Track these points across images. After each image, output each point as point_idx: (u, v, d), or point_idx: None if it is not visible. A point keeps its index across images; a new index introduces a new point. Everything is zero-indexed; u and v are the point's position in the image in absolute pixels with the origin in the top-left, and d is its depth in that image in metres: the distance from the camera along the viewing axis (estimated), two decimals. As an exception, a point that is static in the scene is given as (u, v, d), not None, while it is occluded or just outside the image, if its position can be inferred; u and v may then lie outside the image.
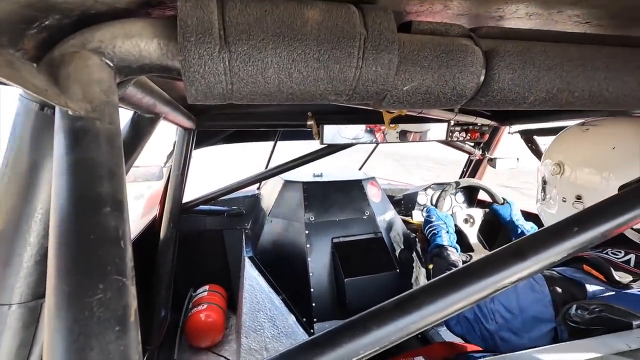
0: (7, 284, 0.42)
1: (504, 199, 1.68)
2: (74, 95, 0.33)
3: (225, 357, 1.92)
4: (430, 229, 1.46)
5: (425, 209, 1.58)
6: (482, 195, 2.04)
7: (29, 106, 0.41)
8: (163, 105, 0.81)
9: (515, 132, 1.81)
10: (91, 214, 0.28)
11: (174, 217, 1.64)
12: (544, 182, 1.07)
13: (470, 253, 1.63)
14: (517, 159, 1.92)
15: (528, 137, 1.76)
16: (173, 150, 1.58)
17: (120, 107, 0.41)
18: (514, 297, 0.86)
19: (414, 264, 1.78)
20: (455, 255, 1.33)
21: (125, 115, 0.81)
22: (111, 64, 0.37)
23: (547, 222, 1.09)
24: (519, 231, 1.49)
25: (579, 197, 0.93)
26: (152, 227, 1.71)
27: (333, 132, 1.35)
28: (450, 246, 1.37)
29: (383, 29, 0.41)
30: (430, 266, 1.35)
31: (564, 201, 0.98)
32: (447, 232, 1.43)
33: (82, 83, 0.34)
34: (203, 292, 2.10)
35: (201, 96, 0.40)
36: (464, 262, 1.55)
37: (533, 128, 1.72)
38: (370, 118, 1.38)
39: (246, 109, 1.43)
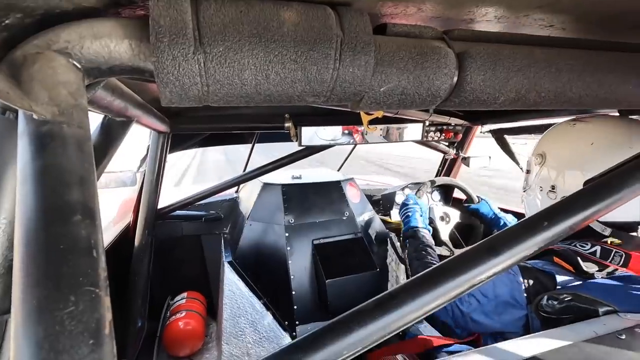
0: None
1: (478, 196, 1.73)
2: (39, 98, 0.31)
3: (205, 365, 1.88)
4: (405, 211, 1.50)
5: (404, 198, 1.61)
6: (457, 194, 2.10)
7: None
8: (135, 108, 0.79)
9: (487, 132, 1.87)
10: (60, 223, 0.27)
11: (149, 223, 1.59)
12: (527, 172, 1.12)
13: (448, 248, 1.67)
14: (490, 157, 1.99)
15: (499, 136, 1.83)
16: (147, 154, 1.54)
17: (90, 110, 0.39)
18: (491, 284, 0.90)
19: (392, 263, 1.81)
20: (428, 236, 1.36)
21: (95, 120, 0.78)
22: (79, 66, 0.36)
23: (527, 210, 1.14)
24: (502, 223, 1.55)
25: (553, 188, 0.98)
26: (126, 234, 1.65)
27: (311, 134, 1.36)
28: (424, 228, 1.40)
29: (359, 31, 0.41)
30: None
31: (541, 190, 1.02)
32: (421, 215, 1.46)
33: (47, 85, 0.32)
34: (181, 299, 2.04)
35: (176, 99, 0.39)
36: (446, 256, 1.59)
37: (503, 127, 1.79)
38: (348, 119, 1.39)
39: (222, 111, 1.41)
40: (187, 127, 1.44)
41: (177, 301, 2.04)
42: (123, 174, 1.48)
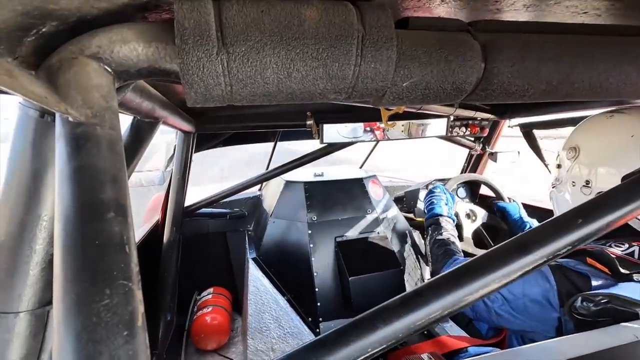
0: (14, 292, 0.42)
1: (509, 198, 1.67)
2: (74, 102, 0.33)
3: (231, 359, 1.92)
4: (430, 198, 1.47)
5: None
6: (484, 190, 2.04)
7: (29, 114, 0.41)
8: (162, 109, 0.81)
9: (515, 126, 1.80)
10: (95, 220, 0.28)
11: (176, 221, 1.64)
12: (558, 166, 1.07)
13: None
14: (518, 152, 1.92)
15: (527, 131, 1.76)
16: (173, 154, 1.58)
17: (120, 112, 0.41)
18: (520, 283, 0.86)
19: (416, 261, 1.78)
20: (451, 225, 1.33)
21: (125, 121, 0.81)
22: (110, 69, 0.37)
23: (556, 206, 1.09)
24: (527, 227, 1.49)
25: (587, 183, 0.93)
26: (155, 231, 1.71)
27: (332, 131, 1.35)
28: (448, 217, 1.37)
29: (380, 26, 0.41)
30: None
31: (573, 185, 0.98)
32: (446, 204, 1.43)
33: (81, 89, 0.34)
34: (208, 294, 2.10)
35: (200, 99, 0.40)
36: (469, 253, 1.55)
37: (533, 121, 1.72)
38: (369, 116, 1.37)
39: (245, 110, 1.43)
40: (212, 127, 1.47)
41: (204, 296, 2.10)
42: (153, 174, 1.53)
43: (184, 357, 1.87)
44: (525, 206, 1.75)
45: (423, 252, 1.85)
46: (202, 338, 1.92)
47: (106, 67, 0.37)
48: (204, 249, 2.15)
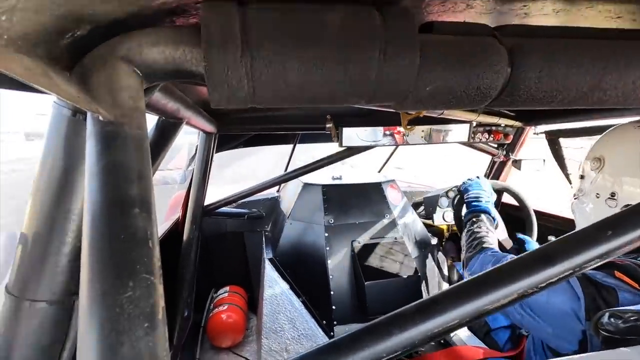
0: (43, 281, 0.44)
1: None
2: (104, 102, 0.35)
3: (245, 358, 1.94)
4: (476, 193, 1.42)
5: (467, 181, 1.55)
6: (506, 198, 1.98)
7: (63, 112, 0.43)
8: (186, 110, 0.84)
9: (541, 133, 1.75)
10: (121, 216, 0.29)
11: (196, 219, 1.67)
12: (581, 177, 1.03)
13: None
14: (544, 160, 1.85)
15: (552, 139, 1.70)
16: (195, 153, 1.62)
17: (146, 112, 0.42)
18: (545, 293, 0.83)
19: (434, 268, 1.75)
20: (491, 224, 1.30)
21: (150, 121, 0.84)
22: (138, 71, 0.39)
23: (578, 219, 1.05)
24: None
25: (613, 195, 0.89)
26: (176, 228, 1.75)
27: (352, 135, 1.35)
28: (489, 214, 1.33)
29: (403, 30, 0.41)
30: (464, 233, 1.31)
31: (597, 197, 0.94)
32: (488, 201, 1.39)
33: (111, 90, 0.35)
34: (224, 293, 2.13)
35: (224, 101, 0.41)
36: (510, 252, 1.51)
37: (560, 128, 1.66)
38: (389, 120, 1.37)
39: (266, 112, 1.45)
40: (233, 128, 1.50)
41: (220, 294, 2.13)
42: (175, 172, 1.57)
43: (199, 353, 1.90)
44: (546, 215, 1.69)
45: (441, 259, 1.81)
46: (218, 335, 1.95)
47: (135, 69, 0.38)
48: (222, 248, 2.18)
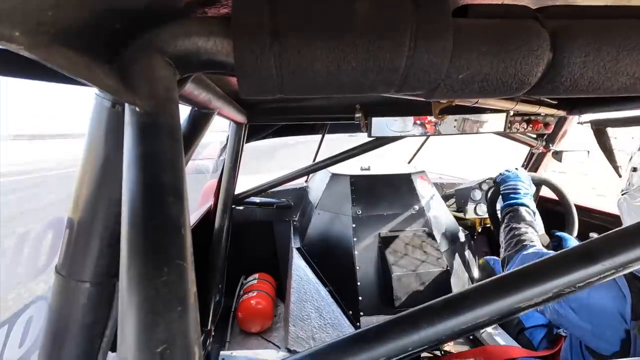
0: (87, 263, 0.47)
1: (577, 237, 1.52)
2: (141, 93, 0.36)
3: (274, 343, 2.00)
4: (518, 185, 1.36)
5: (504, 172, 1.48)
6: (545, 192, 1.88)
7: (103, 104, 0.45)
8: (218, 100, 0.85)
9: (586, 122, 1.63)
10: (155, 203, 0.31)
11: (227, 208, 1.72)
12: (634, 169, 0.96)
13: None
14: (588, 151, 1.74)
15: (599, 129, 1.58)
16: (226, 144, 1.66)
17: (180, 103, 0.43)
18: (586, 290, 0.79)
19: (466, 262, 1.70)
20: (531, 217, 1.23)
21: (183, 111, 0.86)
22: (172, 63, 0.40)
23: (626, 215, 0.98)
24: None
25: None
26: (208, 217, 1.81)
27: (381, 125, 1.33)
28: (529, 207, 1.27)
29: (436, 15, 0.39)
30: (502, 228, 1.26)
31: None
32: (529, 195, 1.33)
33: (147, 81, 0.37)
34: (253, 280, 2.19)
35: (253, 91, 0.41)
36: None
37: (608, 117, 1.54)
38: (420, 109, 1.33)
39: (295, 102, 1.46)
40: (263, 118, 1.52)
41: (249, 281, 2.20)
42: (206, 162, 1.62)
43: (229, 337, 1.98)
44: (589, 210, 1.59)
45: (471, 254, 1.76)
46: (247, 320, 2.02)
47: (169, 60, 0.39)
48: (252, 236, 2.24)
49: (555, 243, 1.48)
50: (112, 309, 0.50)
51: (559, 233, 1.49)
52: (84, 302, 0.48)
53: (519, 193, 1.32)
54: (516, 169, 1.48)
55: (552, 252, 0.99)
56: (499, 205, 1.53)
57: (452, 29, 0.39)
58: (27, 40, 0.22)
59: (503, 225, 1.25)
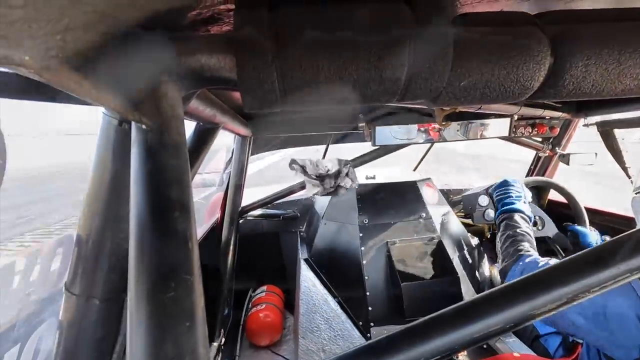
0: (96, 280, 0.47)
1: (591, 227, 1.49)
2: (147, 111, 0.37)
3: (284, 357, 1.97)
4: (506, 191, 1.33)
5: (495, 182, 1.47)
6: (553, 195, 1.86)
7: (111, 122, 0.46)
8: (222, 115, 0.86)
9: (592, 125, 1.62)
10: (162, 219, 0.31)
11: (233, 220, 1.73)
12: None
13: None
14: (596, 153, 1.72)
15: (605, 130, 1.57)
16: (231, 157, 1.67)
17: (185, 119, 0.44)
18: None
19: (474, 269, 1.68)
20: (527, 224, 1.19)
21: (188, 127, 0.87)
22: (177, 81, 0.41)
23: (638, 215, 0.97)
24: None
25: None
26: (214, 230, 1.82)
27: (385, 133, 1.33)
28: (524, 214, 1.24)
29: (435, 24, 0.39)
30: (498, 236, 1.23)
31: None
32: (524, 201, 1.30)
33: (153, 100, 0.37)
34: (261, 292, 2.18)
35: (257, 105, 0.42)
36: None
37: (614, 119, 1.53)
38: (424, 117, 1.33)
39: (299, 114, 1.47)
40: (267, 130, 1.53)
41: (258, 293, 2.18)
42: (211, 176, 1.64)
43: (238, 351, 1.96)
44: (600, 213, 1.56)
45: (482, 259, 1.73)
46: (256, 334, 2.00)
47: (174, 78, 0.40)
48: (259, 248, 2.23)
49: (572, 239, 1.45)
50: (122, 324, 0.50)
51: (573, 227, 1.46)
52: (94, 319, 0.48)
53: (511, 197, 1.30)
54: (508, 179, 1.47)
55: (551, 260, 0.97)
56: (493, 213, 1.50)
57: (452, 37, 0.40)
58: (36, 65, 0.22)
59: (499, 234, 1.23)
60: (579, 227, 1.44)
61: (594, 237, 1.42)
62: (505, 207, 1.29)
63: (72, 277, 0.48)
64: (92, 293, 0.47)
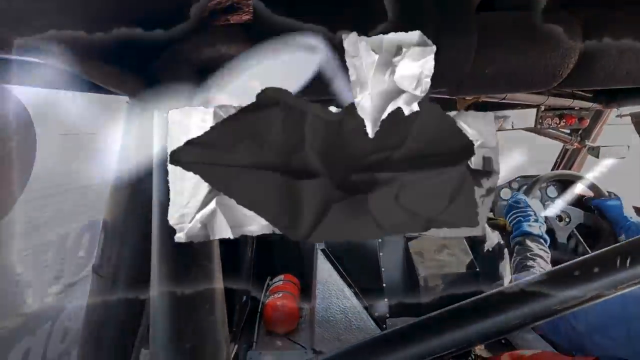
0: (121, 263, 0.49)
1: (610, 192, 1.44)
2: (169, 101, 0.37)
3: (300, 344, 2.00)
4: (516, 215, 1.33)
5: (511, 196, 1.44)
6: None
7: (135, 111, 0.47)
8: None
9: (626, 115, 1.53)
10: None
11: None
12: None
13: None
14: (628, 146, 1.63)
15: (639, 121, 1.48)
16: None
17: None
18: (619, 300, 0.68)
19: (497, 264, 1.64)
20: (542, 247, 1.19)
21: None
22: (197, 70, 0.41)
23: None
24: (629, 225, 1.28)
25: None
26: None
27: (405, 124, 1.31)
28: (539, 236, 1.22)
29: (459, 11, 0.38)
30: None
31: None
32: (536, 221, 1.28)
33: (174, 90, 0.38)
34: (279, 281, 2.21)
35: None
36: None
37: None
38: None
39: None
40: None
41: (275, 282, 2.21)
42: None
43: (256, 337, 2.01)
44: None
45: (502, 253, 1.70)
46: (273, 321, 2.03)
47: (194, 68, 0.41)
48: (277, 238, 2.25)
49: (598, 213, 1.41)
50: (146, 307, 0.52)
51: (596, 201, 1.41)
52: (119, 300, 0.50)
53: (523, 221, 1.29)
54: (520, 178, 1.43)
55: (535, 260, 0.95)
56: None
57: (476, 23, 0.38)
58: (66, 56, 0.23)
59: (512, 259, 1.23)
60: (597, 200, 1.38)
61: (616, 203, 1.36)
62: (516, 232, 1.29)
63: (99, 260, 0.51)
64: (117, 276, 0.49)
